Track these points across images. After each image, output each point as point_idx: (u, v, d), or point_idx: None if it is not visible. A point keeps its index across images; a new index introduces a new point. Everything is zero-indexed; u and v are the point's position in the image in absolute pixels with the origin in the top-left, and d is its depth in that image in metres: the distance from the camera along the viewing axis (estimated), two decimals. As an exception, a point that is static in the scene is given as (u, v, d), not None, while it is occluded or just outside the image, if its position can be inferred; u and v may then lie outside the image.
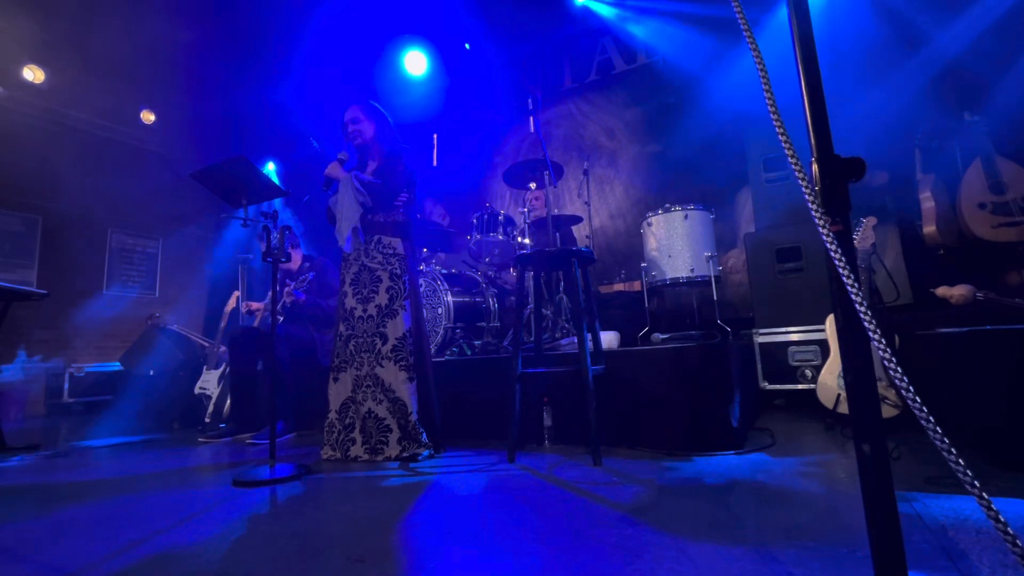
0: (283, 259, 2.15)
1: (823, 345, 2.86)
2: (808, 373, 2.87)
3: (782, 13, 0.77)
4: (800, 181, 0.66)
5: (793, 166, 0.66)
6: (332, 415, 2.37)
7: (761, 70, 0.72)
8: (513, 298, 3.30)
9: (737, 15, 0.79)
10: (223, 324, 4.12)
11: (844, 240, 0.65)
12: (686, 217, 3.48)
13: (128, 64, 5.96)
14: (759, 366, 3.06)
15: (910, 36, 3.57)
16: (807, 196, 0.67)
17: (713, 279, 3.41)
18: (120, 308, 6.19)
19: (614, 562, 1.04)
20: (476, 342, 3.55)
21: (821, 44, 0.76)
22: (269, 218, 2.19)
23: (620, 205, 5.28)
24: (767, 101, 0.70)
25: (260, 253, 2.18)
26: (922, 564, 0.96)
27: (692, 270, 3.40)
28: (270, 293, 2.25)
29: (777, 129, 0.68)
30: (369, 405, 2.28)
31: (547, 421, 2.38)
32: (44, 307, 5.25)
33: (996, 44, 3.27)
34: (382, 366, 2.28)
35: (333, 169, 2.41)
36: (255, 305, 3.61)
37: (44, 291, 3.31)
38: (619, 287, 4.71)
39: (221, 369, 3.84)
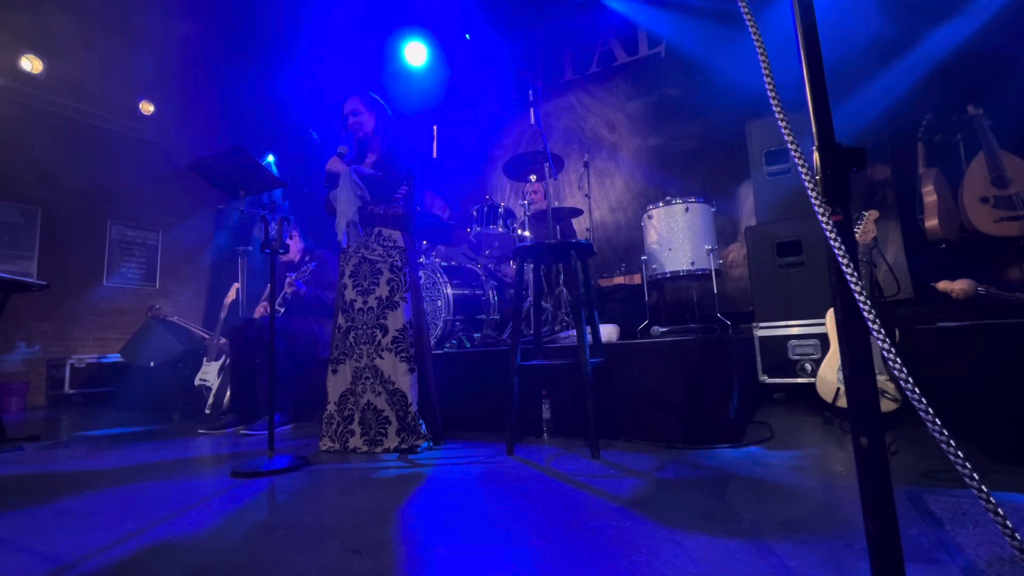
0: (281, 250, 2.14)
1: (823, 339, 2.86)
2: (808, 367, 2.87)
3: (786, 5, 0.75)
4: (801, 169, 0.65)
5: (794, 154, 0.65)
6: (331, 407, 2.37)
7: (762, 56, 0.70)
8: (513, 291, 3.29)
9: (740, 3, 0.77)
10: (223, 316, 4.12)
11: (844, 230, 0.64)
12: (687, 210, 3.47)
13: (127, 55, 5.92)
14: (759, 360, 3.06)
15: (914, 29, 3.53)
16: (807, 185, 0.66)
17: (713, 272, 3.40)
18: (120, 299, 6.20)
19: (611, 554, 1.04)
20: (475, 335, 3.55)
21: (824, 36, 0.74)
22: (267, 209, 2.18)
23: (621, 198, 5.26)
24: (768, 88, 0.69)
25: (259, 244, 2.17)
26: (919, 558, 0.96)
27: (692, 263, 3.40)
28: (269, 285, 2.25)
29: (778, 116, 0.67)
30: (368, 397, 2.28)
31: (546, 414, 2.38)
32: (44, 298, 5.25)
33: (1001, 37, 3.24)
34: (382, 357, 2.28)
35: (334, 164, 2.42)
36: (262, 308, 3.58)
37: (44, 282, 3.30)
38: (619, 280, 4.71)
39: (221, 361, 3.84)
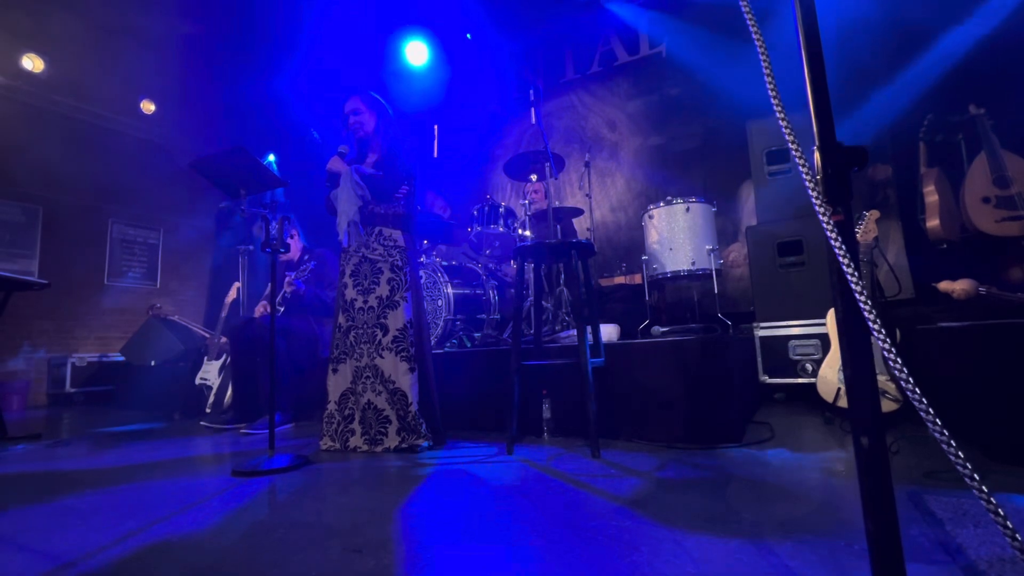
0: (282, 249, 2.14)
1: (824, 339, 2.85)
2: (809, 367, 2.87)
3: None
4: (801, 169, 0.65)
5: (795, 153, 0.65)
6: (331, 406, 2.37)
7: (762, 54, 0.70)
8: (513, 290, 3.29)
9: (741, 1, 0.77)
10: (224, 315, 4.13)
11: (845, 230, 0.64)
12: (688, 210, 3.46)
13: (128, 54, 5.93)
14: (759, 360, 3.05)
15: (916, 29, 3.52)
16: (808, 184, 0.66)
17: (714, 272, 3.40)
18: (121, 299, 6.20)
19: (611, 554, 1.04)
20: (476, 334, 3.55)
21: (827, 35, 0.74)
22: (268, 208, 2.18)
23: (621, 198, 5.26)
24: (768, 87, 0.69)
25: (259, 243, 2.17)
26: (920, 558, 0.95)
27: (693, 263, 3.39)
28: (270, 284, 2.25)
29: (778, 115, 0.67)
30: (368, 396, 2.28)
31: (546, 413, 2.38)
32: (45, 297, 5.25)
33: (1003, 37, 3.23)
34: (382, 357, 2.28)
35: (334, 163, 2.42)
36: (261, 307, 3.57)
37: (45, 281, 3.30)
38: (620, 280, 4.71)
39: (222, 360, 3.85)
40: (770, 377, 3.01)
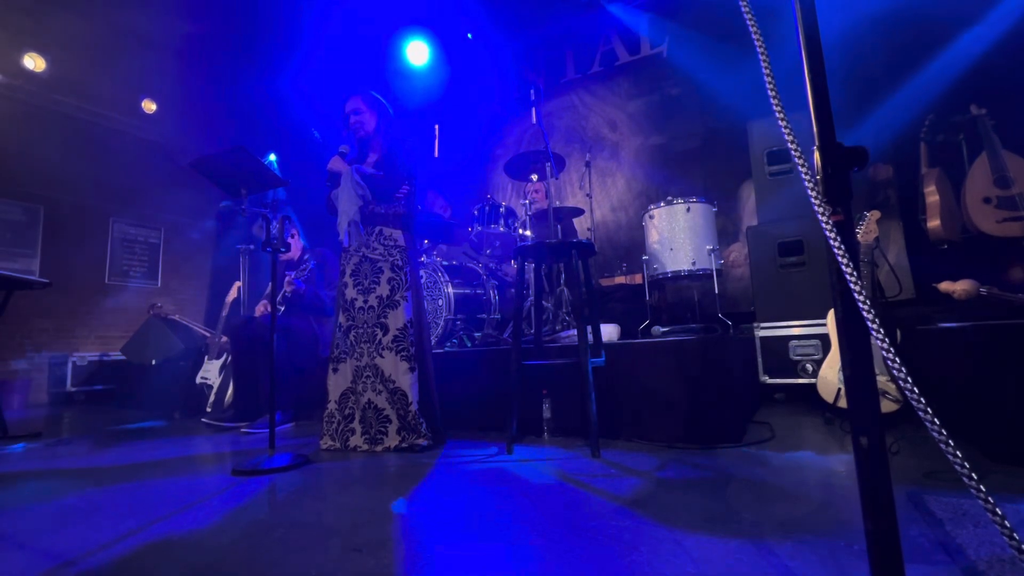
0: (282, 249, 2.15)
1: (824, 339, 2.85)
2: (809, 367, 2.87)
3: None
4: (801, 169, 0.65)
5: (794, 153, 0.65)
6: (332, 405, 2.38)
7: (762, 54, 0.70)
8: (514, 290, 3.29)
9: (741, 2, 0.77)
10: (224, 314, 4.13)
11: (845, 230, 0.64)
12: (688, 210, 3.46)
13: (129, 53, 5.94)
14: (760, 360, 3.05)
15: (920, 30, 3.52)
16: (807, 184, 0.66)
17: (715, 272, 3.40)
18: (122, 298, 6.21)
19: (611, 554, 1.04)
20: (476, 334, 3.55)
21: (829, 37, 0.74)
22: (269, 208, 2.18)
23: (622, 197, 5.26)
24: (768, 86, 0.69)
25: (260, 243, 2.18)
26: (919, 558, 0.95)
27: (694, 263, 3.39)
28: (270, 283, 2.25)
29: (778, 115, 0.67)
30: (368, 396, 2.29)
31: (546, 413, 2.38)
32: (46, 296, 5.26)
33: (1008, 40, 3.23)
34: (382, 356, 2.28)
35: (335, 163, 2.42)
36: (262, 306, 3.57)
37: (46, 280, 3.31)
38: (620, 280, 4.71)
39: (223, 359, 3.85)
40: (770, 377, 3.01)
